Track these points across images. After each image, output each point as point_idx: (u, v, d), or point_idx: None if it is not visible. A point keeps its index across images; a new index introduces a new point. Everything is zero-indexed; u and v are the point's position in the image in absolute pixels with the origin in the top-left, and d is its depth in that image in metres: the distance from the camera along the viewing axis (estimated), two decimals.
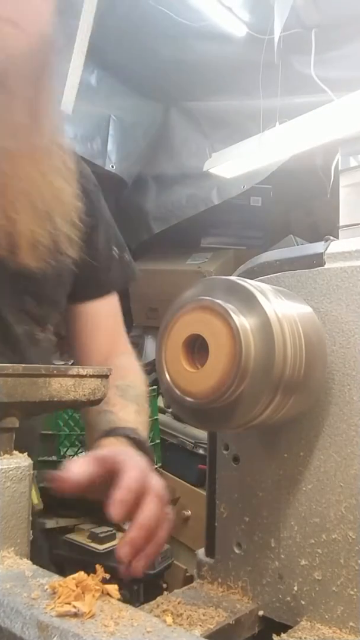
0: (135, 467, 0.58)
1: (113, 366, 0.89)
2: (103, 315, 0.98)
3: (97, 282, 0.95)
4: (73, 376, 0.49)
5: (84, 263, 0.89)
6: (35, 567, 0.44)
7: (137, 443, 0.73)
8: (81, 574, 0.38)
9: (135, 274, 1.04)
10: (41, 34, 0.77)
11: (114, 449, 0.68)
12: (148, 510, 0.57)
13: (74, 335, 0.96)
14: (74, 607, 0.35)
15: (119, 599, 0.38)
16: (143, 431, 0.80)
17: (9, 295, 0.80)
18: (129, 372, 0.93)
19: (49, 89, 0.83)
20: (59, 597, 0.36)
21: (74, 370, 0.50)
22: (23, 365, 0.47)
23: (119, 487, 0.55)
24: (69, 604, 0.35)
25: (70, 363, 1.06)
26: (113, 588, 0.38)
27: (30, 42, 0.76)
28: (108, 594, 0.38)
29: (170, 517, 0.59)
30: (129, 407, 0.84)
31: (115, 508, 0.54)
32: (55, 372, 0.48)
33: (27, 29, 0.75)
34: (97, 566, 0.41)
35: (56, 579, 0.40)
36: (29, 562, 0.45)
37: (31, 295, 0.83)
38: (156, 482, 0.59)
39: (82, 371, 0.50)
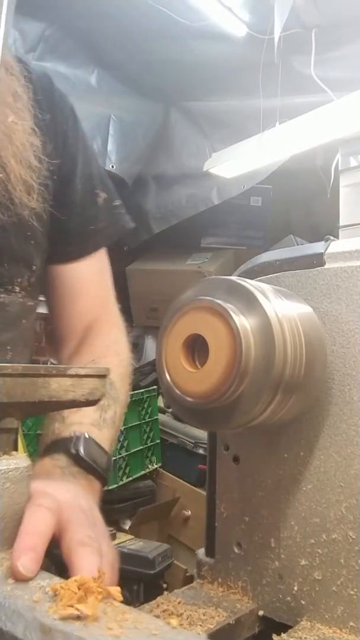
0: (84, 553, 0.46)
1: (91, 344, 0.80)
2: (87, 277, 0.84)
3: (77, 237, 0.82)
4: (72, 376, 0.49)
5: (55, 214, 0.77)
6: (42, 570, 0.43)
7: (78, 460, 0.64)
8: (83, 576, 0.38)
9: (127, 224, 0.89)
10: None
11: (45, 512, 0.48)
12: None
13: (53, 302, 0.84)
14: (77, 609, 0.34)
15: (121, 601, 0.38)
16: (99, 433, 0.69)
17: None
18: (108, 353, 0.80)
19: None
20: (61, 600, 0.35)
21: (73, 370, 0.50)
22: (22, 365, 0.47)
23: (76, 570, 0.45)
24: (72, 606, 0.35)
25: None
26: (116, 590, 0.38)
27: None
28: (111, 596, 0.37)
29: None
30: None
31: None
32: (54, 372, 0.48)
33: None
34: (100, 569, 0.40)
35: (57, 581, 0.39)
36: None
37: None
38: (107, 551, 0.50)
39: (81, 371, 0.50)
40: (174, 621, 0.36)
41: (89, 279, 0.85)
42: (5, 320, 0.74)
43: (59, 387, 0.48)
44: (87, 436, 0.67)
